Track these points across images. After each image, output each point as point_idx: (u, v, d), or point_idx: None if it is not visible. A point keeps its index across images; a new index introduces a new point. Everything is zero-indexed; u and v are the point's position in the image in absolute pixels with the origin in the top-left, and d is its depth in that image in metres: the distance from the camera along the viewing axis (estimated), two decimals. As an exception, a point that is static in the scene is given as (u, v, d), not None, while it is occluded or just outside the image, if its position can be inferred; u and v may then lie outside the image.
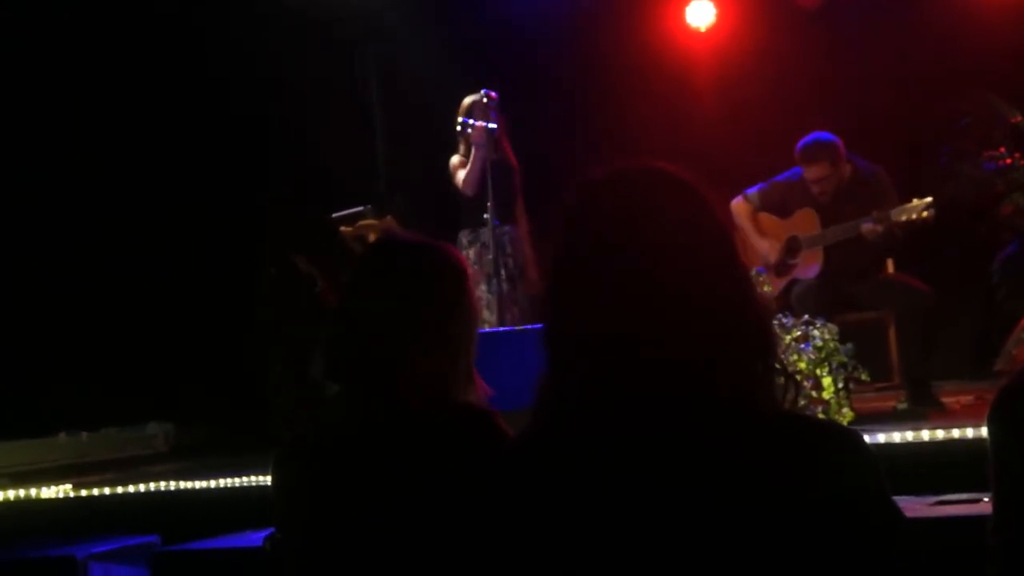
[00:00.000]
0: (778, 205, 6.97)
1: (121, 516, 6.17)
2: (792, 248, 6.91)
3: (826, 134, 6.69)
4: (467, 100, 7.41)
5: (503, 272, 7.23)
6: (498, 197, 7.17)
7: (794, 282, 6.83)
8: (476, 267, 7.16)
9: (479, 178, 7.28)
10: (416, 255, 2.69)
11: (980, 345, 7.78)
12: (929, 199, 6.37)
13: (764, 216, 7.03)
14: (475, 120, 7.27)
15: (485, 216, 7.20)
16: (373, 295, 2.64)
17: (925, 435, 5.12)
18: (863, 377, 5.82)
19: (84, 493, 6.56)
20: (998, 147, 7.14)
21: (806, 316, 5.88)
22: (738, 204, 7.04)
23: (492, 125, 7.27)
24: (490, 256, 7.18)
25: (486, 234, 7.26)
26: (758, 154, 7.74)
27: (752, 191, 7.03)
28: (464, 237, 7.39)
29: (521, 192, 7.49)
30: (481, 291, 7.14)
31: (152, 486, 6.42)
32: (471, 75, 7.40)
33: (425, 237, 2.78)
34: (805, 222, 6.83)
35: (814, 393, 5.62)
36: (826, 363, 5.68)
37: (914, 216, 6.38)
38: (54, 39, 8.70)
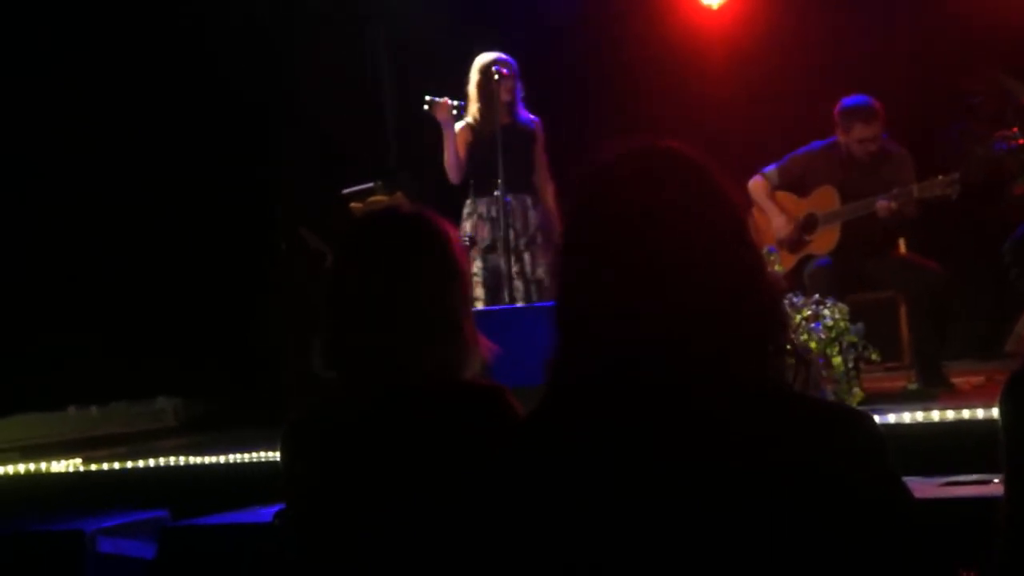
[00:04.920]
0: (797, 181, 6.92)
1: (130, 491, 6.19)
2: (809, 224, 6.88)
3: (865, 96, 6.67)
4: (485, 58, 7.19)
5: (501, 247, 7.01)
6: (506, 165, 6.97)
7: (807, 260, 6.81)
8: (467, 240, 6.93)
9: (455, 161, 7.13)
10: (394, 231, 2.65)
11: (991, 326, 7.78)
12: (954, 175, 6.36)
13: (782, 195, 6.98)
14: (442, 99, 7.10)
15: (491, 186, 7.04)
16: (359, 279, 2.61)
17: (935, 415, 5.12)
18: (873, 357, 5.82)
19: (93, 467, 6.58)
20: (1010, 127, 7.12)
21: (816, 296, 5.88)
22: (756, 183, 6.99)
23: (455, 102, 7.10)
24: (487, 230, 7.03)
25: (484, 205, 7.13)
26: (770, 132, 7.73)
27: (770, 169, 6.98)
28: (465, 208, 7.20)
29: (544, 157, 7.25)
30: (476, 267, 6.96)
31: (161, 461, 6.44)
32: (482, 51, 7.36)
33: (403, 207, 2.76)
34: (824, 199, 6.81)
35: (824, 373, 5.62)
36: (836, 343, 5.68)
37: (937, 192, 6.37)
38: (59, 14, 8.69)
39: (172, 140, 8.97)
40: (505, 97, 7.15)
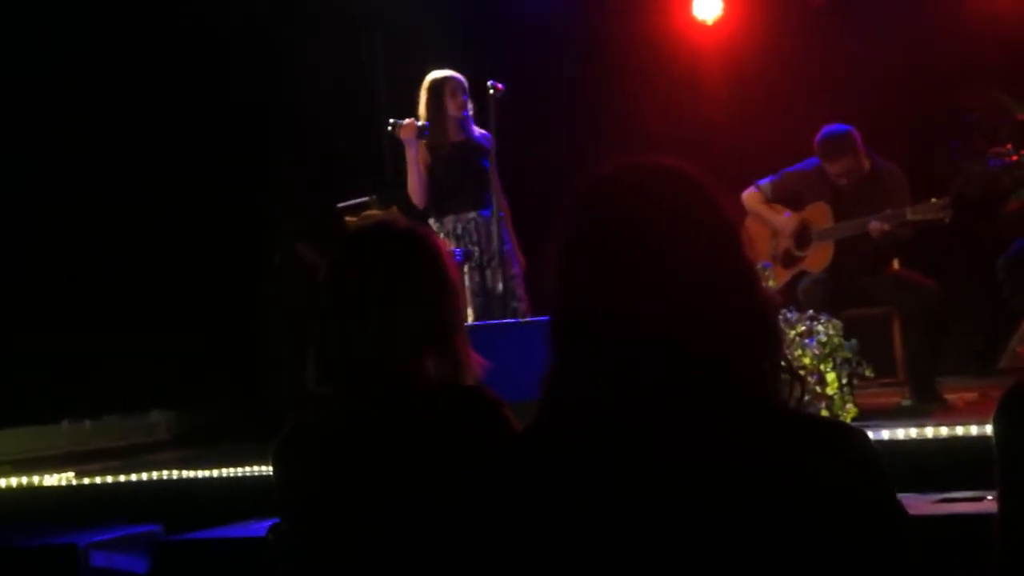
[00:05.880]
0: (791, 196, 6.96)
1: (123, 505, 6.17)
2: (802, 239, 6.90)
3: (840, 126, 6.66)
4: (437, 75, 7.19)
5: (466, 264, 7.00)
6: (464, 182, 7.04)
7: (800, 276, 6.82)
8: (460, 257, 6.91)
9: (420, 184, 7.10)
10: (387, 244, 2.66)
11: (985, 342, 7.78)
12: (947, 199, 6.37)
13: (777, 207, 7.01)
14: (408, 120, 7.07)
15: (454, 203, 7.10)
16: (352, 291, 2.61)
17: (929, 432, 5.12)
18: (867, 373, 5.82)
19: (86, 481, 6.56)
20: (1004, 144, 7.13)
21: (810, 311, 5.88)
22: (750, 194, 7.02)
23: (420, 123, 7.06)
24: (452, 247, 6.98)
25: (451, 223, 7.14)
26: (765, 147, 7.73)
27: (764, 182, 7.02)
28: (431, 226, 7.12)
29: (496, 172, 7.13)
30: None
31: (154, 475, 6.42)
32: (478, 64, 7.37)
33: (398, 221, 2.76)
34: (817, 215, 6.83)
35: (818, 389, 5.62)
36: (830, 358, 5.68)
37: (931, 215, 6.38)
38: (56, 23, 8.70)
39: (167, 153, 8.97)
40: (456, 114, 7.14)
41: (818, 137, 6.70)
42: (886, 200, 6.56)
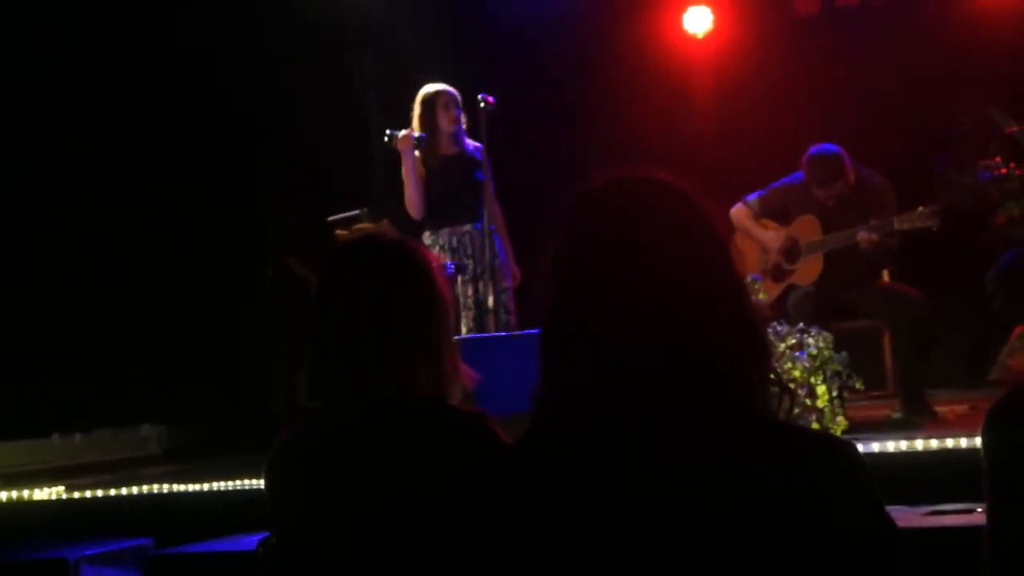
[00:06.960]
0: (779, 211, 6.97)
1: (114, 518, 6.16)
2: (791, 253, 6.91)
3: (828, 147, 6.65)
4: (430, 89, 7.22)
5: (459, 276, 7.01)
6: (458, 195, 7.07)
7: (790, 289, 6.83)
8: (452, 270, 6.90)
9: (417, 196, 7.10)
10: (377, 257, 2.67)
11: (975, 355, 7.79)
12: (935, 207, 6.39)
13: (765, 222, 7.03)
14: (410, 131, 7.05)
15: (448, 216, 7.11)
16: (342, 305, 2.61)
17: (919, 444, 5.12)
18: (857, 385, 5.82)
19: (77, 495, 6.55)
20: (993, 156, 7.15)
21: (801, 324, 5.89)
22: (738, 210, 7.04)
23: (417, 134, 7.06)
24: (449, 260, 7.00)
25: (445, 236, 7.14)
26: (755, 160, 7.75)
27: (752, 197, 7.03)
28: (425, 241, 7.14)
29: (491, 184, 7.18)
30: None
31: (145, 488, 6.41)
32: (469, 78, 7.38)
33: (388, 235, 2.76)
34: (806, 228, 6.84)
35: (808, 401, 5.62)
36: (820, 371, 5.68)
37: (918, 223, 6.39)
38: (53, 38, 8.70)
39: (159, 167, 8.97)
40: (448, 128, 7.14)
41: (806, 159, 6.69)
42: (872, 210, 6.57)
